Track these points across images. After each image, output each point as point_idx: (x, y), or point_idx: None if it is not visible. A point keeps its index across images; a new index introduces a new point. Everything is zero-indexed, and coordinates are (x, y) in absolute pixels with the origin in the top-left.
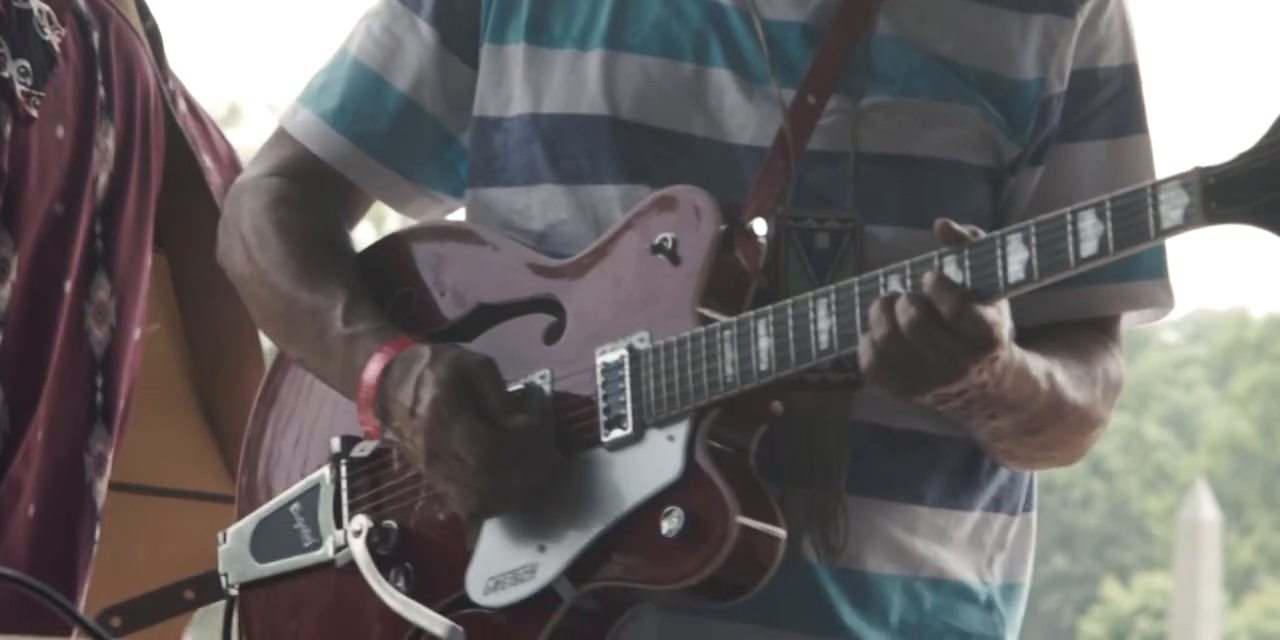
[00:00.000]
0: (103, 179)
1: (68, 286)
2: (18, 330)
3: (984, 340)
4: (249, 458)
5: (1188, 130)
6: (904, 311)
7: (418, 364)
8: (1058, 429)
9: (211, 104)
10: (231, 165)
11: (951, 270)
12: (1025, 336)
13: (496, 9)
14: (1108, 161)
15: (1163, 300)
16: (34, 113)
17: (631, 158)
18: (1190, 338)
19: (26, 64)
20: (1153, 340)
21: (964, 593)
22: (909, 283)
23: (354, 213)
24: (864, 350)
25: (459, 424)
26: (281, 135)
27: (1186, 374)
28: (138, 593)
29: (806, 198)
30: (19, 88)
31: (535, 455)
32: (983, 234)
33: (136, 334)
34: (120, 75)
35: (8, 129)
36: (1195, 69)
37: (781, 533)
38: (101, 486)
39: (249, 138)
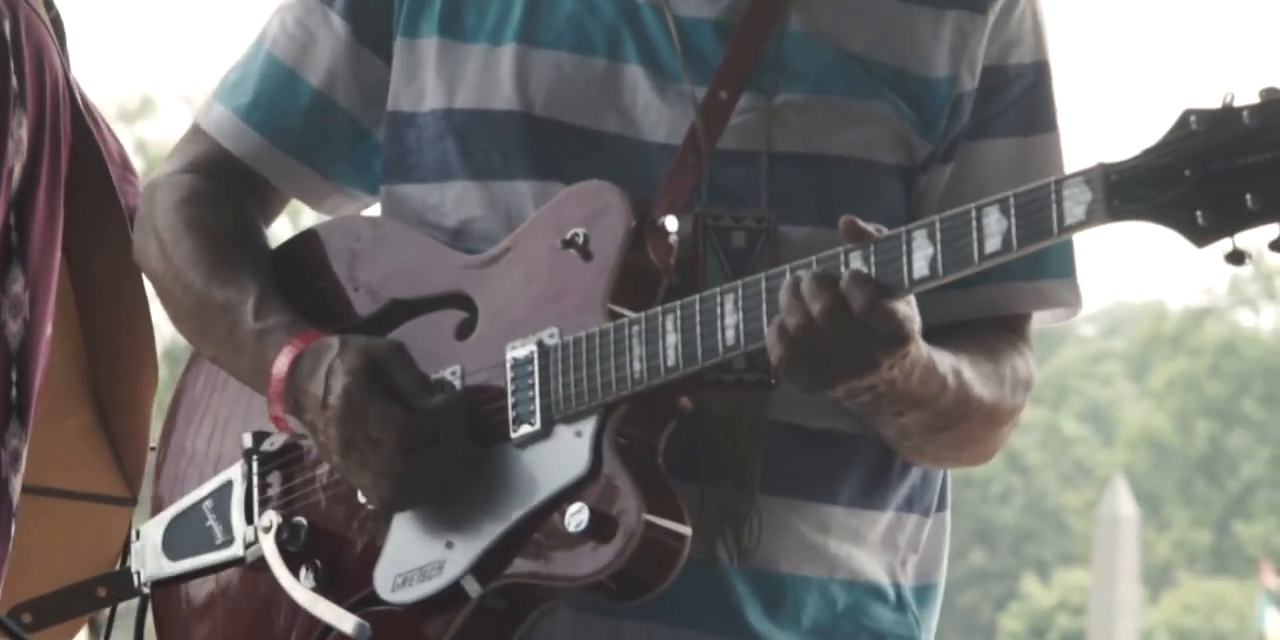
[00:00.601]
0: (16, 170)
1: None
2: None
3: (896, 335)
4: (163, 456)
5: (1098, 127)
6: (814, 298)
7: (327, 355)
8: (965, 426)
9: (124, 96)
10: (121, 162)
11: (858, 266)
12: (933, 335)
13: (409, 2)
14: (1017, 159)
15: (1069, 300)
16: None
17: (544, 154)
18: (1107, 331)
19: None
20: (1070, 334)
21: (878, 594)
22: None
23: (269, 209)
24: (774, 341)
25: (374, 409)
26: (196, 131)
27: (1104, 368)
28: (33, 595)
29: (720, 197)
30: None
31: (450, 440)
32: (888, 231)
33: (48, 328)
34: (31, 65)
35: None
36: (1105, 66)
37: (687, 530)
38: (16, 483)
39: (162, 130)
